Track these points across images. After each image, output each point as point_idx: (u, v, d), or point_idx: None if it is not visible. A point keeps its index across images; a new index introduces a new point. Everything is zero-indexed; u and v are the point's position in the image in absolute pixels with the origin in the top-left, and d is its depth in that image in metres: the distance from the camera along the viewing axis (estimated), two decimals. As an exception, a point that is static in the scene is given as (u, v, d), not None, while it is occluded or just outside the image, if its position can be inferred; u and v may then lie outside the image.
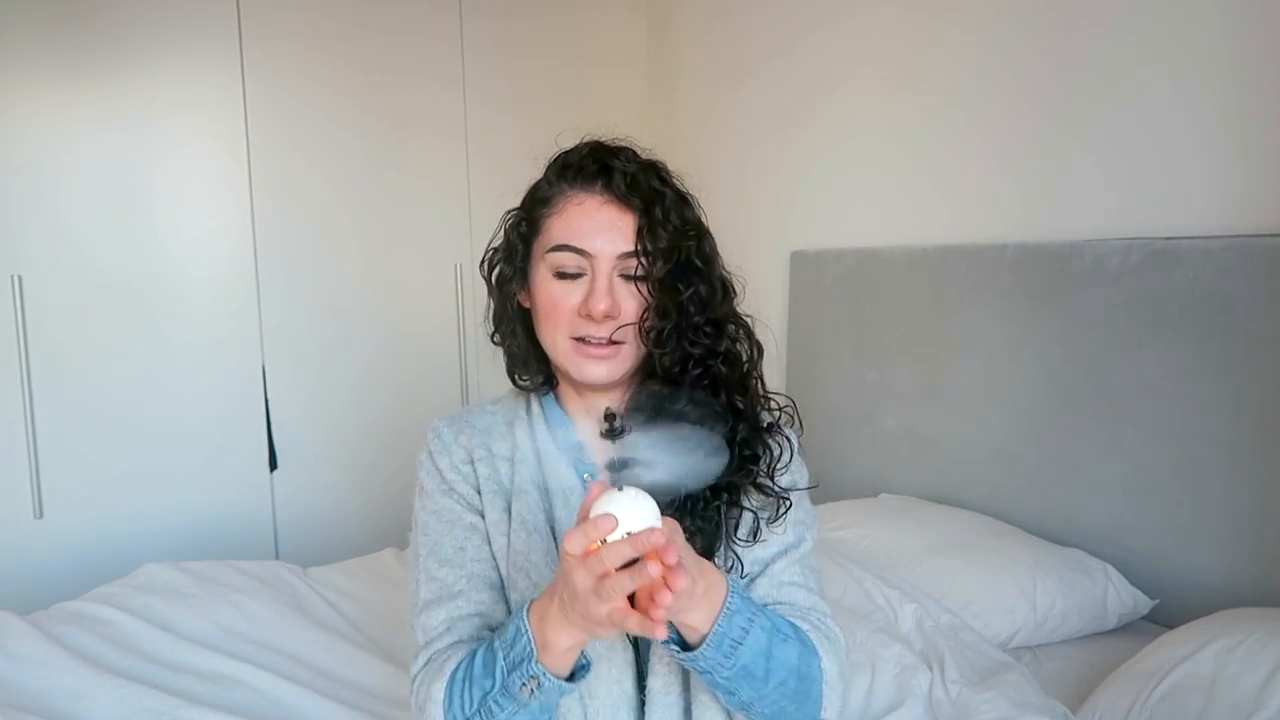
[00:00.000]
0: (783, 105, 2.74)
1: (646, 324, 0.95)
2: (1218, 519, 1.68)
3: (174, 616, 1.78)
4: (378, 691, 1.59)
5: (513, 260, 1.01)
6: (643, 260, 0.95)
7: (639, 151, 1.00)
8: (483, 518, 1.01)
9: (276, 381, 2.72)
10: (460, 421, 1.06)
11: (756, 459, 0.97)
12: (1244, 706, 1.25)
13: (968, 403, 2.16)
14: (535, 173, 1.03)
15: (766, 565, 0.99)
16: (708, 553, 0.95)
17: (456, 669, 0.90)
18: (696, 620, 0.84)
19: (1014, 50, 2.05)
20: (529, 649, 0.84)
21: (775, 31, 2.73)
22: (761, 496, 0.97)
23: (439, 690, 0.90)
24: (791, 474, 1.01)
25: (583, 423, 1.02)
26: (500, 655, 0.86)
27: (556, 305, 0.96)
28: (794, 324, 2.70)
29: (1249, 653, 1.32)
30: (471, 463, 1.02)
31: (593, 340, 0.96)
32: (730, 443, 0.94)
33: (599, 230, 0.95)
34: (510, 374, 1.08)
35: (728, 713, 0.95)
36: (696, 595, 0.82)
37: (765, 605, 0.96)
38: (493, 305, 1.06)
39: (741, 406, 0.96)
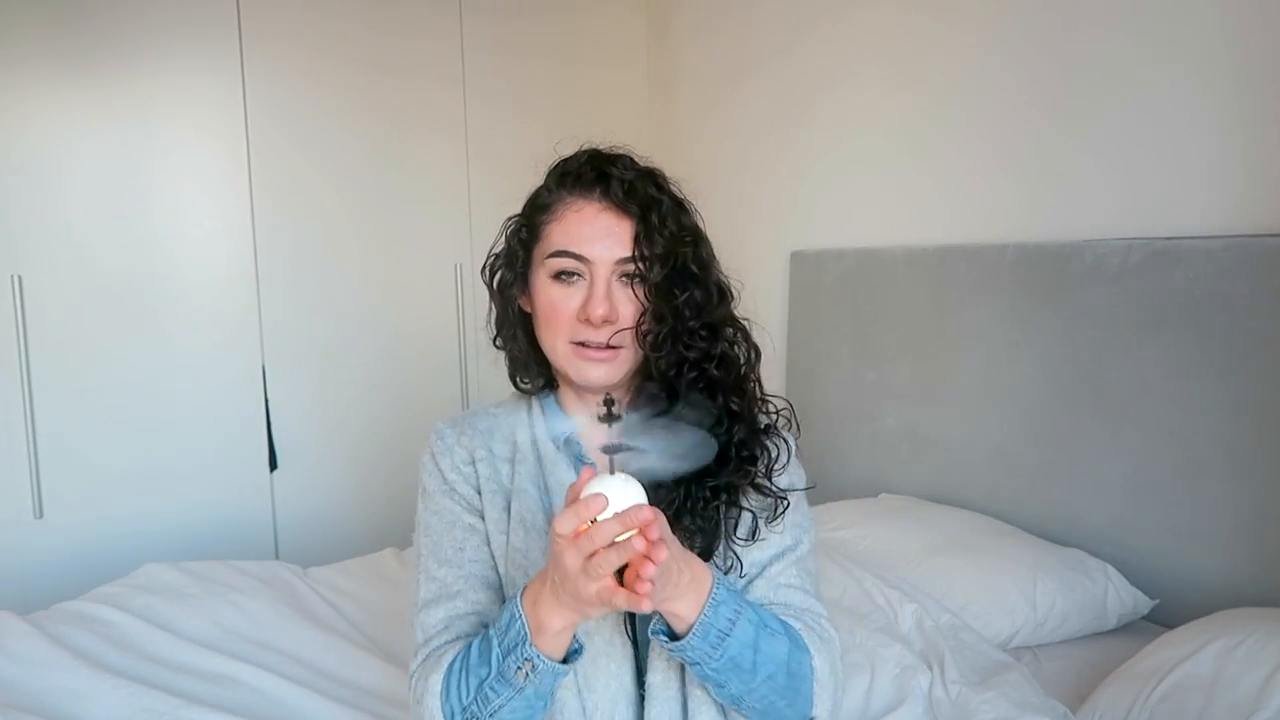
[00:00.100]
0: (783, 105, 2.74)
1: (643, 328, 0.97)
2: (1218, 519, 1.68)
3: (174, 616, 1.78)
4: (378, 691, 1.59)
5: (514, 266, 1.04)
6: (640, 265, 0.97)
7: (637, 159, 1.02)
8: (482, 518, 1.03)
9: (276, 381, 2.72)
10: (463, 423, 1.08)
11: (754, 460, 0.98)
12: (1244, 706, 1.25)
13: (968, 403, 2.16)
14: (536, 179, 1.04)
15: (764, 567, 1.01)
16: (707, 552, 0.96)
17: (454, 661, 0.92)
18: (683, 609, 0.86)
19: (1014, 50, 2.05)
20: (523, 633, 0.86)
21: (775, 31, 2.74)
22: (760, 497, 0.99)
23: (436, 682, 0.92)
24: (789, 476, 1.03)
25: (581, 421, 1.04)
26: (495, 642, 0.88)
27: (556, 309, 0.98)
28: (794, 324, 2.70)
29: (1249, 653, 1.32)
30: (473, 463, 1.04)
31: (591, 344, 0.98)
32: (727, 444, 0.96)
33: (597, 236, 0.97)
34: (512, 377, 1.10)
35: (722, 709, 0.96)
36: (683, 584, 0.85)
37: (761, 605, 0.97)
38: (494, 310, 1.08)
39: (738, 409, 0.98)
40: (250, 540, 2.70)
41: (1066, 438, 1.93)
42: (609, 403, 0.85)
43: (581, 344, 0.98)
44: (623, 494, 0.78)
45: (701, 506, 0.96)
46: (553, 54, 3.04)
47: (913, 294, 2.29)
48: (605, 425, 0.84)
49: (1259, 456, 1.61)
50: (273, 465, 2.74)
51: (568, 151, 1.03)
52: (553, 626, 0.85)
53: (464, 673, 0.91)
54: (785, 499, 1.00)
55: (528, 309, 1.04)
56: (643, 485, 0.81)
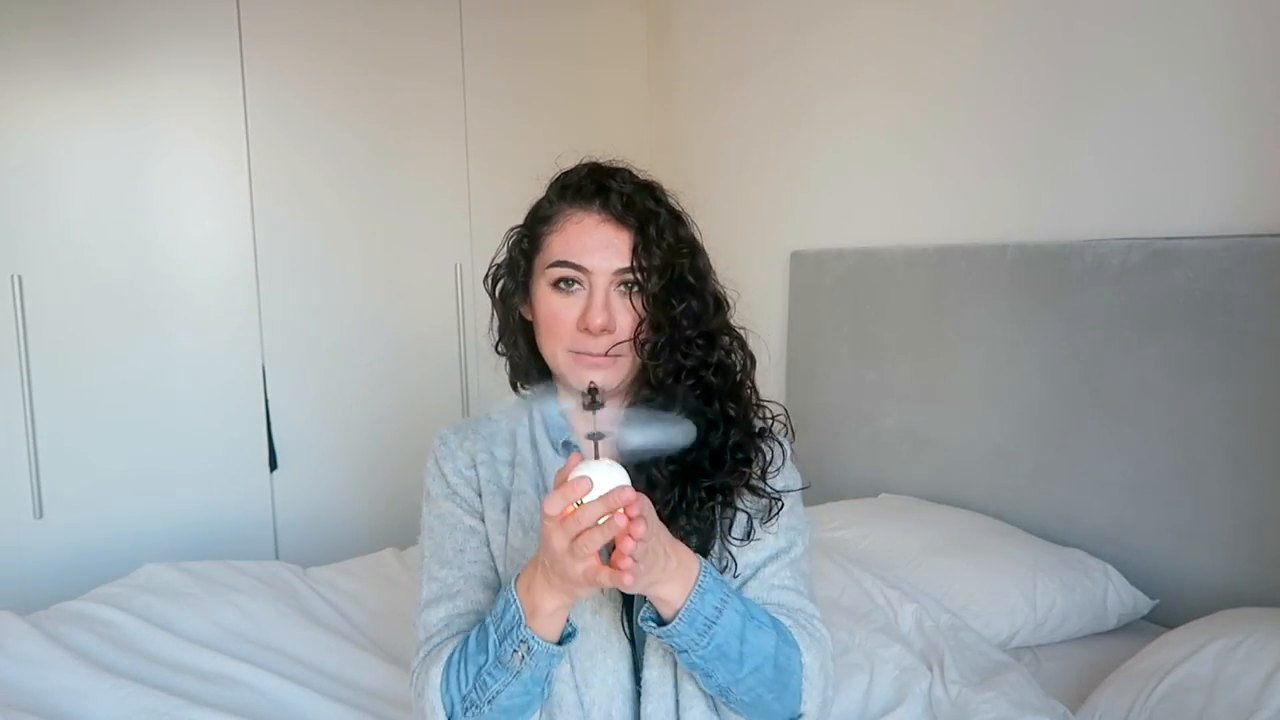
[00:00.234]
0: (783, 105, 2.74)
1: (641, 337, 0.99)
2: (1218, 519, 1.68)
3: (174, 616, 1.78)
4: (378, 691, 1.59)
5: (515, 275, 1.06)
6: (638, 276, 0.99)
7: (635, 172, 1.05)
8: (483, 520, 1.06)
9: (276, 381, 2.72)
10: (465, 429, 1.11)
11: (749, 462, 1.01)
12: (1244, 706, 1.25)
13: (968, 403, 2.16)
14: (537, 187, 1.07)
15: (758, 569, 1.03)
16: (702, 552, 0.98)
17: (452, 653, 0.95)
18: (669, 594, 0.89)
19: (1014, 50, 2.05)
20: (518, 616, 0.89)
21: (775, 31, 2.74)
22: (755, 499, 1.02)
23: (436, 674, 0.94)
24: (784, 479, 1.06)
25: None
26: (491, 629, 0.92)
27: (556, 318, 1.01)
28: (794, 324, 2.70)
29: (1249, 653, 1.32)
30: (474, 466, 1.07)
31: (590, 353, 1.00)
32: (722, 447, 0.99)
33: (596, 248, 1.00)
34: (513, 383, 1.13)
35: (713, 704, 0.98)
36: (670, 569, 0.88)
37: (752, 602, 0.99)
38: (496, 317, 1.11)
39: (733, 414, 1.01)
40: (250, 540, 2.70)
41: (1066, 438, 1.93)
42: (592, 390, 0.89)
43: (581, 352, 1.00)
44: (607, 477, 0.82)
45: (697, 507, 0.98)
46: (553, 54, 3.04)
47: (913, 294, 2.29)
48: (590, 412, 0.88)
49: (1259, 456, 1.61)
50: (273, 465, 2.74)
51: (568, 164, 1.06)
52: (546, 608, 0.88)
53: (462, 662, 0.94)
54: (780, 500, 1.03)
55: (529, 317, 1.07)
56: (626, 469, 0.84)
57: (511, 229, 1.09)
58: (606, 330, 0.98)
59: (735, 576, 1.02)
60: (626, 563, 0.80)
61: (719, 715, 0.99)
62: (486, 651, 0.91)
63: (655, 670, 0.98)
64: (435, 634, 1.01)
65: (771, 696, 0.95)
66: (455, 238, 2.93)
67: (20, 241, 2.39)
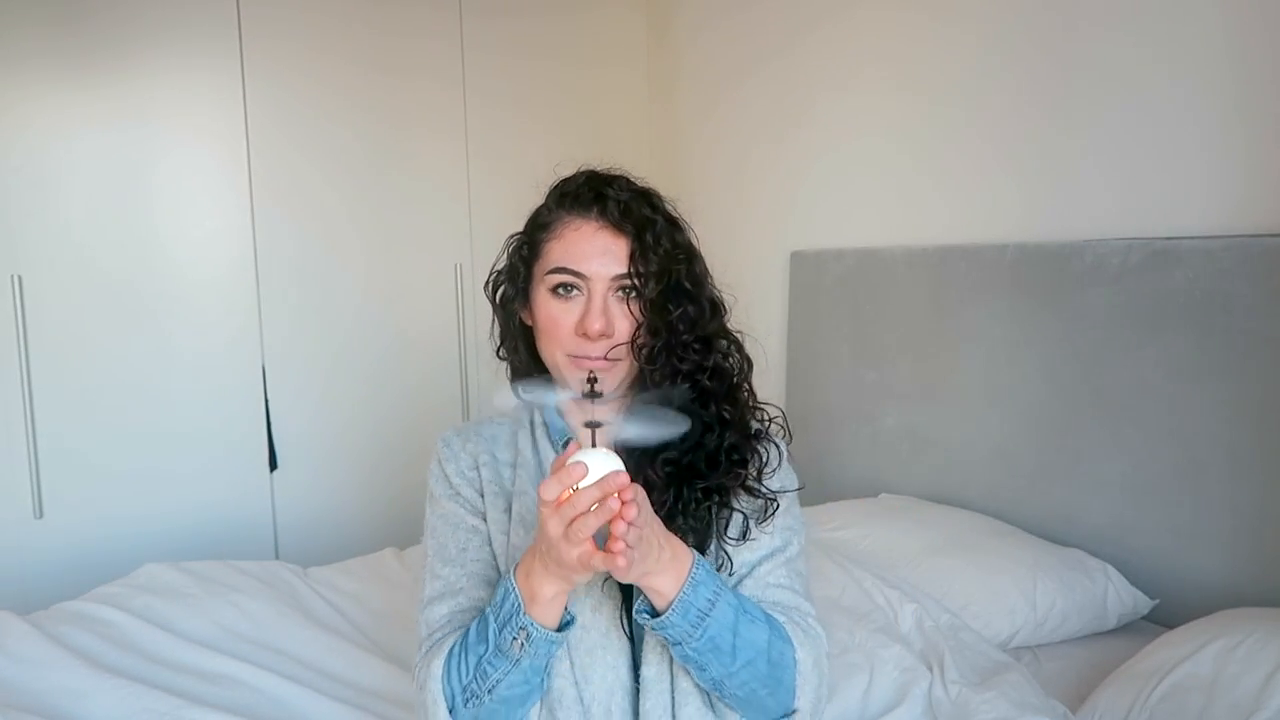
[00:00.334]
0: (783, 105, 2.74)
1: (638, 341, 1.01)
2: (1218, 519, 1.68)
3: (174, 616, 1.78)
4: (378, 691, 1.59)
5: (515, 281, 1.09)
6: (635, 282, 1.01)
7: (633, 180, 1.07)
8: (485, 520, 1.08)
9: (276, 381, 2.72)
10: (468, 432, 1.14)
11: (745, 463, 1.03)
12: (1244, 706, 1.25)
13: (968, 403, 2.16)
14: (536, 193, 1.10)
15: (753, 568, 1.05)
16: (699, 551, 0.99)
17: (454, 645, 0.97)
18: (662, 584, 0.90)
19: (1014, 50, 2.05)
20: (517, 603, 0.91)
21: (775, 32, 2.74)
22: (751, 499, 1.04)
23: (438, 666, 0.96)
24: (780, 480, 1.08)
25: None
26: (491, 619, 0.93)
27: (555, 323, 1.03)
28: (794, 324, 2.70)
29: (1249, 653, 1.32)
30: (477, 468, 1.10)
31: (589, 357, 1.02)
32: (718, 448, 1.01)
33: (594, 254, 1.02)
34: (514, 388, 1.14)
35: (709, 701, 1.00)
36: (664, 560, 0.89)
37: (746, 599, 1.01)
38: (497, 323, 1.13)
39: (729, 416, 1.03)
40: (250, 540, 2.70)
41: (1066, 438, 1.93)
42: (591, 380, 0.91)
43: (579, 356, 1.02)
44: (603, 464, 0.83)
45: (694, 507, 1.00)
46: (553, 54, 3.04)
47: (913, 294, 2.29)
48: (588, 401, 0.90)
49: (1259, 456, 1.61)
50: (273, 466, 2.74)
51: (567, 172, 1.09)
52: (545, 594, 0.90)
53: (463, 653, 0.95)
54: (775, 501, 1.05)
55: (529, 322, 1.09)
56: (623, 459, 0.86)
57: (511, 236, 1.11)
58: (605, 335, 1.00)
59: (731, 575, 1.03)
60: (619, 546, 0.82)
61: (715, 711, 1.00)
62: (487, 641, 0.93)
63: (653, 667, 1.00)
64: (438, 629, 1.02)
65: (765, 691, 0.96)
66: (455, 238, 2.93)
67: (20, 241, 2.39)
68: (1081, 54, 1.92)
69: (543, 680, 0.96)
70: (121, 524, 2.54)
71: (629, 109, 3.22)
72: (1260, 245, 1.60)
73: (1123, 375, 1.81)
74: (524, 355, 1.11)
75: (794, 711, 0.98)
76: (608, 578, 1.01)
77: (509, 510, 1.06)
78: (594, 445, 0.86)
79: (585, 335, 1.01)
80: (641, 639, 1.01)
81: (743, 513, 1.03)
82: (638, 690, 1.00)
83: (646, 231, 1.02)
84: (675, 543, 0.92)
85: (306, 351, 2.76)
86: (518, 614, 0.90)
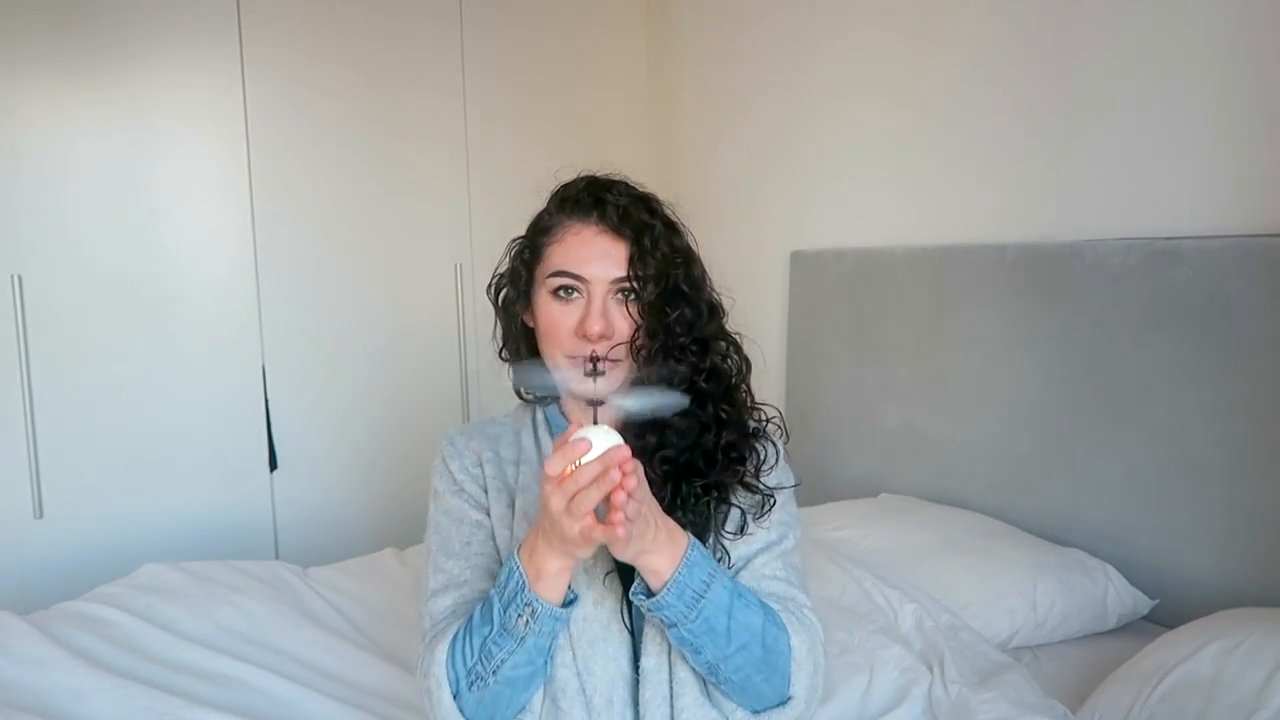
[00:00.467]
0: (783, 106, 2.74)
1: (637, 343, 1.04)
2: (1217, 519, 1.68)
3: (174, 616, 1.78)
4: (378, 691, 1.59)
5: (517, 284, 1.11)
6: (634, 284, 1.04)
7: (632, 184, 1.10)
8: (488, 514, 1.10)
9: (276, 382, 2.72)
10: (472, 430, 1.17)
11: (743, 460, 1.06)
12: (1244, 706, 1.25)
13: (968, 403, 2.16)
14: (535, 197, 1.12)
15: (749, 560, 1.07)
16: None
17: (458, 630, 0.98)
18: (658, 564, 0.93)
19: (1014, 50, 2.05)
20: (521, 581, 0.93)
21: (777, 32, 2.74)
22: (748, 495, 1.07)
23: (442, 651, 0.97)
24: (777, 477, 1.10)
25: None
26: (496, 599, 0.95)
27: (556, 325, 1.05)
28: (794, 324, 2.70)
29: (1249, 653, 1.32)
30: (480, 465, 1.12)
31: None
32: (716, 446, 1.04)
33: (594, 258, 1.04)
34: (516, 389, 1.18)
35: (706, 691, 1.02)
36: (660, 540, 0.92)
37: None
38: (499, 325, 1.16)
39: (727, 416, 1.05)
40: (250, 540, 2.70)
41: (1066, 438, 1.93)
42: (593, 359, 0.94)
43: (579, 357, 1.04)
44: (604, 440, 0.87)
45: (693, 503, 1.03)
46: (554, 60, 3.05)
47: (913, 294, 2.29)
48: (590, 381, 0.96)
49: (1258, 456, 1.61)
50: (273, 465, 2.74)
51: (568, 177, 1.11)
52: (549, 570, 0.92)
53: (467, 636, 0.96)
54: (772, 497, 1.07)
55: (530, 324, 1.11)
56: (627, 448, 0.88)
57: (513, 240, 1.14)
58: (604, 336, 1.02)
59: (729, 568, 1.05)
60: (618, 516, 0.84)
61: (712, 700, 1.02)
62: (491, 621, 0.94)
63: (652, 659, 1.02)
64: (441, 621, 1.03)
65: (760, 678, 0.98)
66: (455, 237, 2.93)
67: (21, 241, 2.40)
68: (1082, 54, 1.91)
69: (546, 663, 0.98)
70: (121, 524, 2.54)
71: (630, 108, 3.23)
72: (1260, 245, 1.60)
73: (1122, 375, 1.81)
74: (525, 357, 1.14)
75: (789, 699, 1.00)
76: (609, 573, 1.04)
77: (512, 506, 1.08)
78: (595, 423, 0.89)
79: (585, 337, 1.02)
80: (642, 632, 1.03)
81: (740, 508, 1.06)
82: (638, 681, 1.02)
83: (645, 235, 1.04)
84: (671, 525, 0.95)
85: (306, 352, 2.76)
86: (522, 590, 0.92)
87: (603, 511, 0.86)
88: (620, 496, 0.84)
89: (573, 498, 0.85)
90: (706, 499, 1.03)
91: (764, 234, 2.83)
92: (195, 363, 2.61)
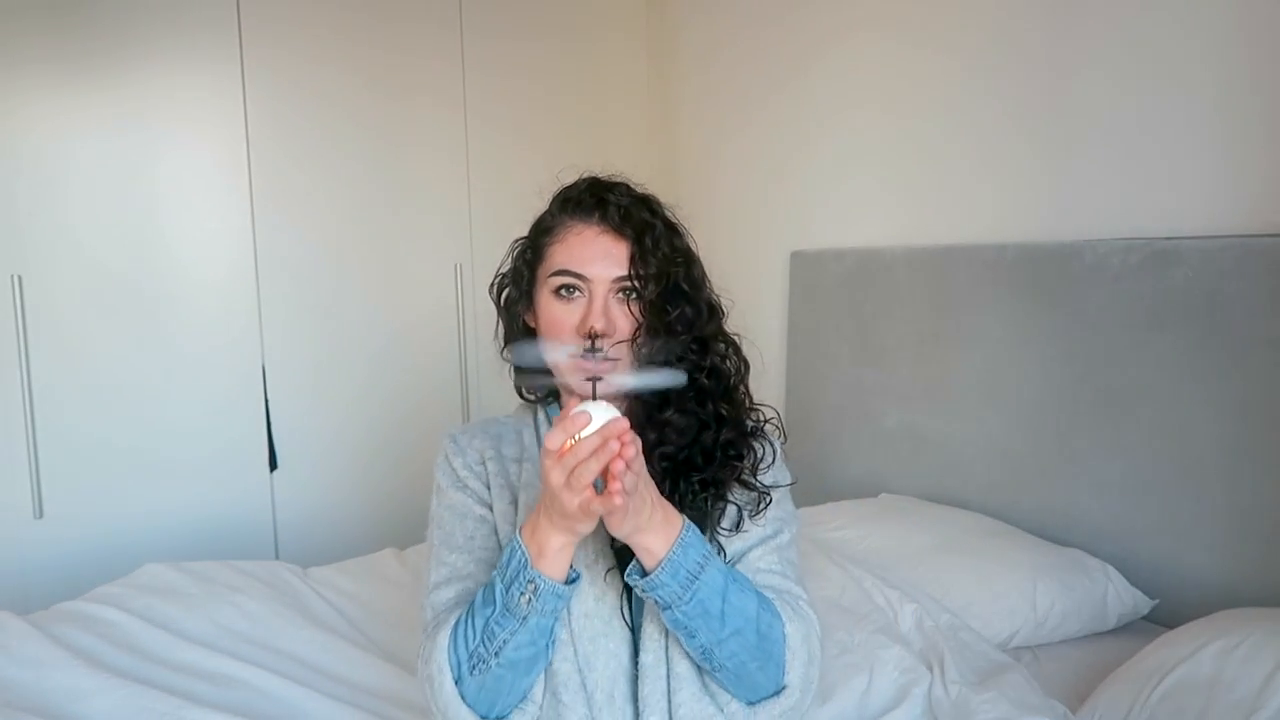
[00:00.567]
0: (783, 108, 2.74)
1: (637, 342, 1.05)
2: (1217, 519, 1.68)
3: (174, 616, 1.78)
4: (378, 691, 1.59)
5: (519, 284, 1.13)
6: (635, 284, 1.05)
7: (633, 186, 1.11)
8: (491, 510, 1.11)
9: (277, 382, 2.72)
10: (474, 429, 1.18)
11: (740, 458, 1.08)
12: (1244, 706, 1.25)
13: (968, 403, 2.16)
14: (537, 198, 1.14)
15: (744, 554, 1.08)
16: None
17: (460, 615, 0.99)
18: (653, 543, 0.94)
19: (1014, 50, 2.05)
20: (524, 559, 0.93)
21: (777, 37, 2.73)
22: (745, 492, 1.08)
23: (443, 637, 0.98)
24: (773, 475, 1.11)
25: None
26: (498, 580, 0.95)
27: (558, 324, 1.06)
28: (794, 324, 2.70)
29: (1249, 653, 1.32)
30: (483, 462, 1.13)
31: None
32: (714, 444, 1.06)
33: (595, 258, 1.06)
34: (517, 388, 1.19)
35: (704, 684, 1.02)
36: (655, 520, 0.93)
37: None
38: (501, 325, 1.17)
39: (725, 414, 1.07)
40: (250, 540, 2.70)
41: (1066, 438, 1.93)
42: (591, 336, 0.96)
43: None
44: (603, 414, 0.88)
45: (691, 499, 1.04)
46: (555, 62, 3.05)
47: (913, 294, 2.29)
48: (590, 359, 0.97)
49: (1258, 456, 1.61)
50: (273, 465, 2.74)
51: (570, 179, 1.13)
52: (552, 546, 0.93)
53: (469, 619, 0.97)
54: (768, 494, 1.09)
55: (532, 324, 1.13)
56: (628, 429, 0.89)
57: (516, 240, 1.15)
58: (605, 335, 1.03)
59: (726, 562, 1.06)
60: (616, 486, 0.85)
61: (709, 694, 1.03)
62: (494, 602, 0.95)
63: (651, 654, 1.03)
64: (443, 611, 1.04)
65: (755, 665, 0.99)
66: (455, 238, 2.93)
67: (21, 241, 2.39)
68: (1081, 54, 1.91)
69: (548, 645, 0.98)
70: (121, 524, 2.54)
71: (630, 111, 3.23)
72: (1260, 245, 1.60)
73: (1122, 375, 1.81)
74: None
75: (785, 688, 1.01)
76: (610, 569, 1.05)
77: (515, 503, 1.09)
78: (595, 398, 0.91)
79: (587, 335, 1.03)
80: (641, 628, 1.04)
81: (737, 505, 1.08)
82: (638, 676, 1.03)
83: (646, 235, 1.05)
84: (668, 507, 0.96)
85: (306, 352, 2.76)
86: (525, 568, 0.93)
87: (602, 486, 0.88)
88: (619, 465, 0.85)
89: (572, 471, 0.86)
90: (704, 495, 1.05)
91: (764, 234, 2.83)
92: (195, 363, 2.61)
